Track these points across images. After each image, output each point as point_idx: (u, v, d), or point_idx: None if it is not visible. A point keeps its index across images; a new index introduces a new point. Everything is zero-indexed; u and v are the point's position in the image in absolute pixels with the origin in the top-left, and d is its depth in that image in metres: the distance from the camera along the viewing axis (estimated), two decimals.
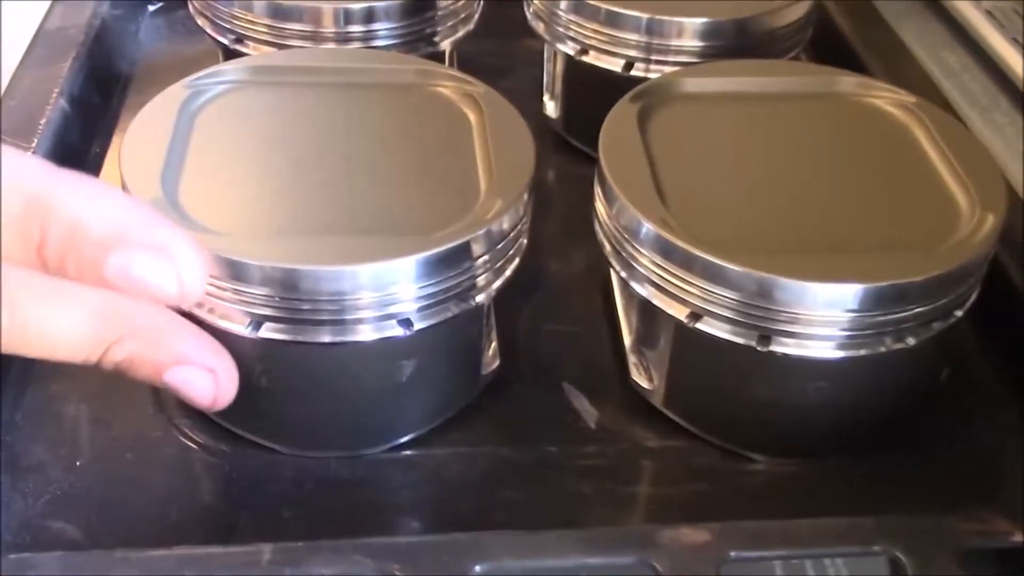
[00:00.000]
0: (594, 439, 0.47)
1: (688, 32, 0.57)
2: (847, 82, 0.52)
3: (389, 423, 0.46)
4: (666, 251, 0.43)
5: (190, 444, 0.45)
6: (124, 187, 0.42)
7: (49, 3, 0.66)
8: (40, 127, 0.55)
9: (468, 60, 0.69)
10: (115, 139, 0.61)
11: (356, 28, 0.57)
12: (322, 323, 0.41)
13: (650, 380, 0.47)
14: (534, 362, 0.50)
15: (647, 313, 0.47)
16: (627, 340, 0.49)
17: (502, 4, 0.68)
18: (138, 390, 0.47)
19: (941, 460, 0.46)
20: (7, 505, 0.42)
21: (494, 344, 0.49)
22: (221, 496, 0.44)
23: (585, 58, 0.59)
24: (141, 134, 0.45)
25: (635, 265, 0.45)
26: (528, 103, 0.66)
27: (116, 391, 0.47)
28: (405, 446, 0.46)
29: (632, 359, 0.48)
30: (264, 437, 0.45)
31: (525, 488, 0.45)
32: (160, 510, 0.43)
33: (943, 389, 0.48)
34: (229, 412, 0.45)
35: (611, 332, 0.52)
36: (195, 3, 0.60)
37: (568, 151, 0.64)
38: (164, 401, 0.47)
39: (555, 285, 0.55)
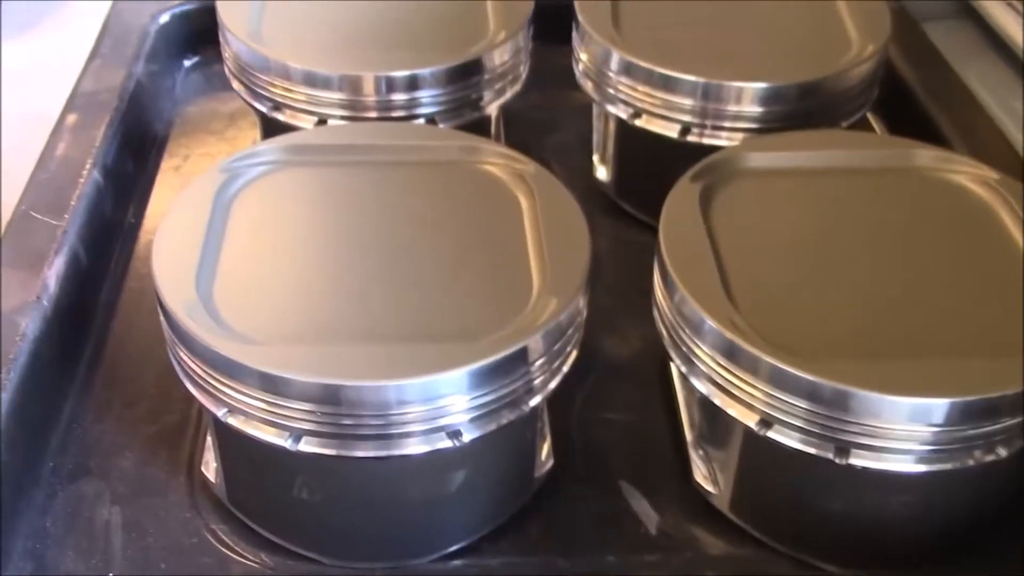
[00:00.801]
0: (655, 547, 0.44)
1: (747, 97, 0.54)
2: (924, 155, 0.49)
3: (437, 533, 0.43)
4: (731, 352, 0.40)
5: (228, 553, 0.43)
6: (158, 294, 0.40)
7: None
8: (72, 202, 0.53)
9: (514, 114, 0.66)
10: (150, 205, 0.59)
11: (399, 96, 0.54)
12: (366, 437, 0.38)
13: (715, 483, 0.44)
14: (589, 457, 0.47)
15: (710, 411, 0.44)
16: (688, 436, 0.46)
17: (548, 50, 0.66)
18: (173, 492, 0.45)
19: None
20: None
21: (547, 442, 0.46)
22: None
23: (638, 122, 0.56)
24: (174, 229, 0.42)
25: (696, 362, 0.42)
26: (577, 160, 0.64)
27: (149, 493, 0.45)
28: (454, 555, 0.43)
29: (695, 458, 0.45)
30: (306, 547, 0.42)
31: None
32: None
33: None
34: (268, 520, 0.43)
35: (670, 421, 0.49)
36: (231, 69, 0.57)
37: (619, 215, 0.61)
38: (200, 505, 0.44)
39: (609, 366, 0.52)
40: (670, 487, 0.46)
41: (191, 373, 0.40)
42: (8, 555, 0.42)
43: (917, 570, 0.43)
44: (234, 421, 0.39)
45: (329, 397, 0.38)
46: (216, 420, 0.40)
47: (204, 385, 0.39)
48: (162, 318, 0.41)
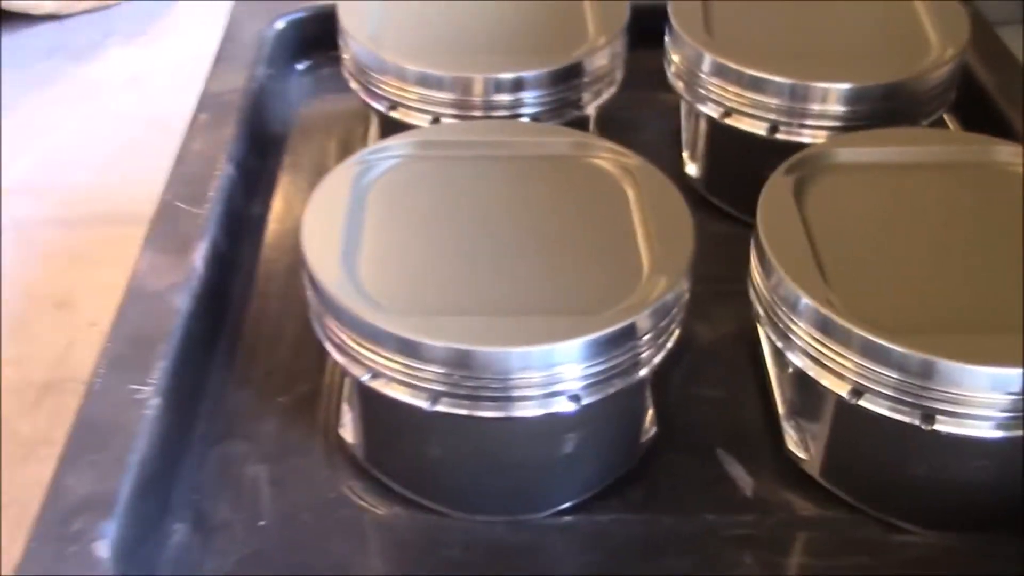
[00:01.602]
0: (751, 508, 0.48)
1: (833, 97, 0.57)
2: (1001, 151, 0.52)
3: (552, 490, 0.47)
4: (825, 326, 0.44)
5: (364, 505, 0.47)
6: (307, 269, 0.45)
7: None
8: (210, 193, 0.58)
9: (605, 114, 0.70)
10: (275, 200, 0.64)
11: (504, 97, 0.59)
12: (493, 399, 0.43)
13: (806, 451, 0.48)
14: (687, 428, 0.51)
15: (803, 384, 0.48)
16: (781, 409, 0.50)
17: (635, 55, 0.70)
18: (311, 453, 0.50)
19: None
20: (200, 565, 0.45)
21: (651, 412, 0.50)
22: (396, 559, 0.46)
23: (728, 120, 0.60)
24: (319, 214, 0.47)
25: (792, 337, 0.46)
26: (665, 158, 0.68)
27: (290, 453, 0.49)
28: (567, 511, 0.47)
29: (787, 429, 0.49)
30: (434, 501, 0.47)
31: (686, 557, 0.46)
32: (340, 572, 0.45)
33: None
34: (400, 476, 0.47)
35: (760, 397, 0.52)
36: (350, 71, 0.62)
37: (708, 209, 0.65)
38: (336, 464, 0.49)
39: (703, 347, 0.56)
40: (763, 456, 0.50)
41: (337, 341, 0.45)
42: (170, 508, 0.47)
43: (996, 533, 0.46)
44: (376, 384, 0.44)
45: (461, 361, 0.42)
46: (359, 384, 0.45)
47: (349, 351, 0.44)
48: (310, 292, 0.45)
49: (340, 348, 0.45)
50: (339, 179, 0.49)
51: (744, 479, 0.49)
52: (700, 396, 0.53)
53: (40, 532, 0.41)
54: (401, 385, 0.43)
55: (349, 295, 0.43)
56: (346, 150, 0.64)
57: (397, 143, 0.52)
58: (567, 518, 0.47)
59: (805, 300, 0.44)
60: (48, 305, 0.75)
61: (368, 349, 0.43)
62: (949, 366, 0.42)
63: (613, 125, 0.72)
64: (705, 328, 0.57)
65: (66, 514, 0.42)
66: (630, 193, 0.50)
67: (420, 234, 0.47)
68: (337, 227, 0.46)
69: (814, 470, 0.48)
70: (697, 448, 0.50)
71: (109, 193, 0.86)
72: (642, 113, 0.73)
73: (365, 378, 0.44)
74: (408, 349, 0.42)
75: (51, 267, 0.79)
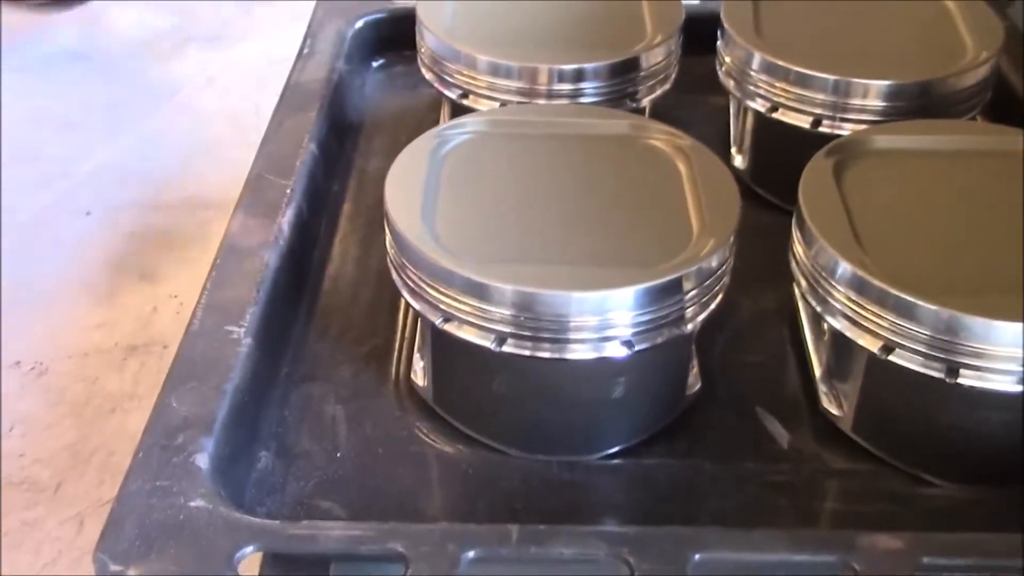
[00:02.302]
0: (787, 459, 0.52)
1: (873, 93, 0.62)
2: None
3: (603, 433, 0.51)
4: (861, 288, 0.48)
5: (432, 443, 0.52)
6: (390, 222, 0.50)
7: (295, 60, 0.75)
8: (296, 168, 0.63)
9: (657, 113, 0.75)
10: (351, 180, 0.70)
11: (566, 86, 0.64)
12: (552, 341, 0.47)
13: (840, 408, 0.52)
14: (729, 388, 0.55)
15: (839, 346, 0.52)
16: (817, 371, 0.54)
17: (688, 61, 0.74)
18: (384, 396, 0.54)
19: None
20: (283, 487, 0.50)
21: (695, 368, 0.54)
22: (460, 490, 0.50)
23: (775, 115, 0.64)
24: (401, 176, 0.52)
25: (830, 300, 0.50)
26: (714, 152, 0.73)
27: (366, 395, 0.54)
28: (617, 455, 0.52)
29: (822, 388, 0.53)
30: (496, 440, 0.51)
31: (726, 499, 0.50)
32: (410, 499, 0.49)
33: None
34: (467, 417, 0.52)
35: (799, 365, 0.56)
36: (425, 61, 0.68)
37: (753, 199, 0.69)
38: (407, 407, 0.54)
39: (746, 319, 0.60)
40: (799, 414, 0.54)
41: (415, 287, 0.49)
42: (258, 436, 0.52)
43: (1017, 486, 0.50)
44: (448, 327, 0.48)
45: (524, 303, 0.47)
46: (432, 328, 0.49)
47: (426, 296, 0.49)
48: (391, 244, 0.50)
49: (416, 294, 0.49)
50: (419, 149, 0.54)
51: (781, 434, 0.53)
52: (742, 361, 0.57)
53: (147, 443, 0.46)
54: (471, 327, 0.48)
55: (426, 243, 0.48)
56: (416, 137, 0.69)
57: (471, 120, 0.57)
58: (616, 461, 0.51)
59: (843, 264, 0.49)
60: (134, 278, 0.81)
61: (442, 293, 0.48)
62: (973, 321, 0.46)
63: (665, 122, 0.77)
64: (748, 302, 0.61)
65: (171, 429, 0.47)
66: (682, 169, 0.54)
67: (490, 196, 0.52)
68: (417, 188, 0.51)
69: (846, 426, 0.52)
70: (738, 406, 0.54)
71: (188, 181, 0.92)
72: (693, 113, 0.77)
73: (438, 321, 0.48)
74: (477, 291, 0.47)
75: (136, 245, 0.85)
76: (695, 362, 0.54)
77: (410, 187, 0.52)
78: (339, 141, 0.72)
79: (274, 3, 1.10)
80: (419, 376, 0.54)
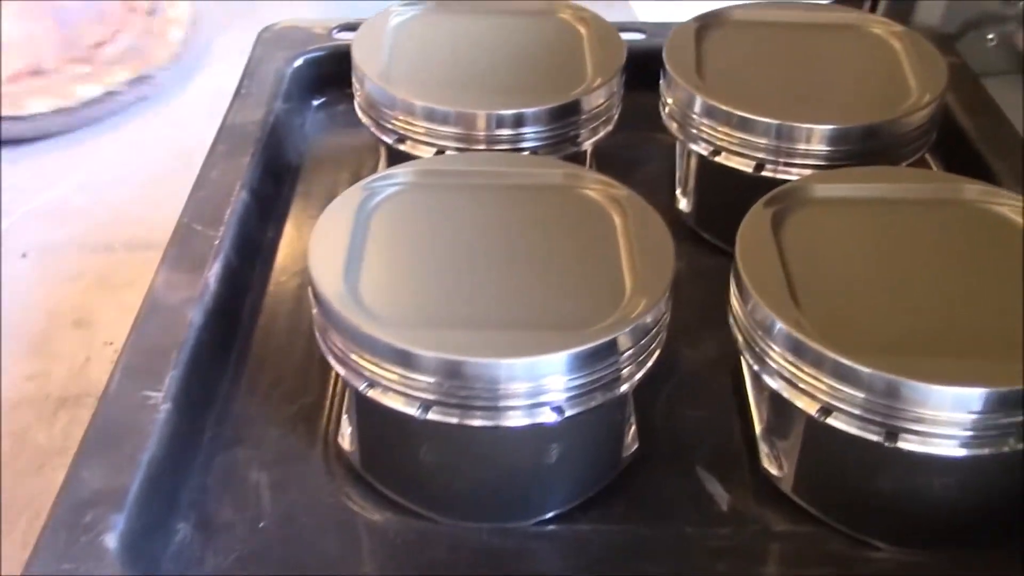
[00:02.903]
0: (727, 521, 0.50)
1: (817, 137, 0.60)
2: (971, 189, 0.55)
3: (536, 499, 0.50)
4: (797, 349, 0.47)
5: (358, 511, 0.50)
6: (312, 283, 0.48)
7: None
8: (226, 217, 0.61)
9: (605, 153, 0.74)
10: (287, 225, 0.68)
11: (506, 132, 0.62)
12: (481, 409, 0.46)
13: (780, 468, 0.51)
14: (669, 445, 0.54)
15: (778, 405, 0.50)
16: (758, 428, 0.53)
17: (635, 97, 0.73)
18: (312, 460, 0.52)
19: None
20: (201, 561, 0.48)
21: (633, 427, 0.53)
22: (387, 560, 0.49)
23: (718, 159, 0.63)
24: (325, 234, 0.50)
25: (767, 360, 0.49)
26: (661, 195, 0.71)
27: (292, 459, 0.52)
28: (551, 521, 0.50)
29: (763, 447, 0.52)
30: (424, 507, 0.50)
31: (664, 565, 0.48)
32: (333, 572, 0.47)
33: None
34: (395, 483, 0.50)
35: (741, 417, 0.55)
36: (362, 106, 0.66)
37: (698, 243, 0.68)
38: (334, 471, 0.52)
39: (688, 370, 0.59)
40: (740, 473, 0.52)
41: (338, 352, 0.48)
42: (176, 507, 0.50)
43: (962, 549, 0.48)
44: (373, 394, 0.47)
45: (450, 371, 0.45)
46: (357, 393, 0.48)
47: (348, 362, 0.47)
48: (315, 306, 0.49)
49: (340, 359, 0.48)
50: (345, 203, 0.53)
51: (721, 494, 0.51)
52: (683, 415, 0.56)
53: (54, 521, 0.44)
54: (396, 394, 0.46)
55: (349, 308, 0.46)
56: (356, 180, 0.67)
57: (400, 171, 0.55)
58: (550, 527, 0.50)
59: (779, 324, 0.47)
60: (67, 324, 0.79)
61: (366, 359, 0.46)
62: (912, 386, 0.44)
63: (613, 162, 0.75)
64: (691, 352, 0.60)
65: (79, 505, 0.45)
66: (617, 221, 0.53)
67: (418, 254, 0.50)
68: (341, 246, 0.50)
69: (787, 486, 0.50)
70: (678, 464, 0.53)
71: (130, 220, 0.90)
72: (641, 152, 0.77)
73: (363, 387, 0.47)
74: (402, 359, 0.45)
75: (72, 289, 0.83)
76: (633, 420, 0.53)
77: (334, 245, 0.50)
78: (276, 185, 0.70)
79: (230, 33, 1.08)
80: (346, 440, 0.52)
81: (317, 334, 0.49)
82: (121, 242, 0.88)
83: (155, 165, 0.97)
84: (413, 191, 0.54)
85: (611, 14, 1.00)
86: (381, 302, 0.47)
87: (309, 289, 0.49)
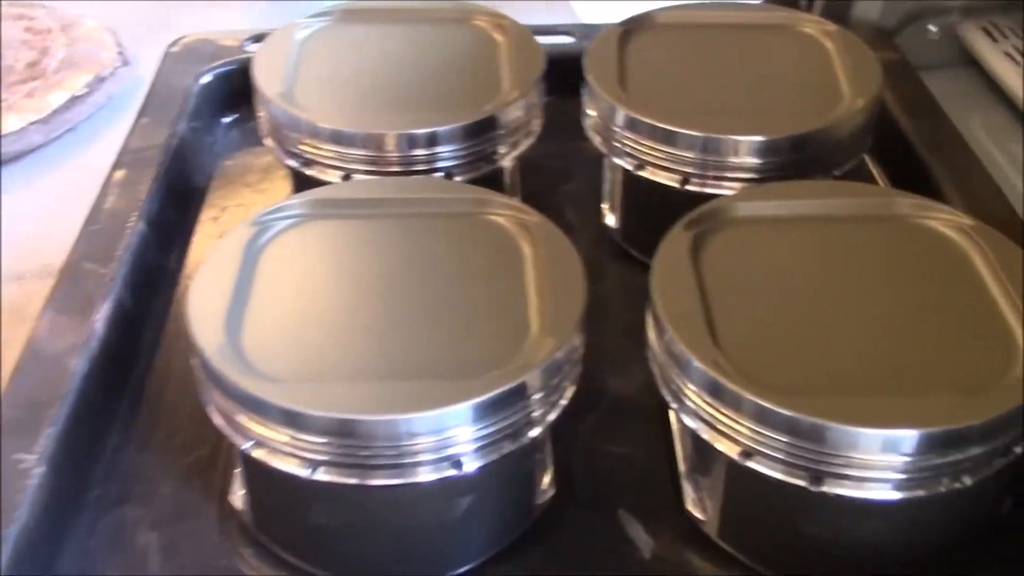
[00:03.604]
0: (650, 570, 0.47)
1: (744, 150, 0.57)
2: (904, 204, 0.52)
3: (445, 555, 0.46)
4: (715, 390, 0.43)
5: (254, 573, 0.47)
6: (191, 336, 0.44)
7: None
8: (119, 252, 0.57)
9: (530, 164, 0.70)
10: (191, 254, 0.64)
11: (419, 152, 0.58)
12: (379, 467, 0.42)
13: (704, 511, 0.48)
14: (590, 486, 0.51)
15: (699, 444, 0.47)
16: (682, 467, 0.50)
17: (563, 102, 0.70)
18: (205, 518, 0.49)
19: None
20: None
21: (550, 472, 0.49)
22: None
23: (642, 173, 0.60)
24: (207, 279, 0.47)
25: (684, 399, 0.45)
26: (589, 208, 0.68)
27: (184, 519, 0.49)
28: None
29: (686, 488, 0.49)
30: (324, 569, 0.46)
31: None
32: None
33: (1006, 517, 0.48)
34: (290, 544, 0.46)
35: (668, 453, 0.52)
36: (265, 128, 0.62)
37: (627, 260, 0.64)
38: (228, 530, 0.48)
39: (612, 402, 0.56)
40: (665, 515, 0.49)
41: (219, 409, 0.44)
42: (59, 572, 0.46)
43: None
44: (258, 454, 0.43)
45: (344, 430, 0.41)
46: (243, 453, 0.44)
47: (230, 420, 0.43)
48: (194, 360, 0.45)
49: (222, 416, 0.44)
50: (231, 243, 0.49)
51: (644, 540, 0.48)
52: (607, 452, 0.53)
53: None
54: (283, 455, 0.43)
55: (230, 363, 0.43)
56: (270, 202, 0.63)
57: (293, 203, 0.51)
58: None
59: (695, 362, 0.44)
60: None
61: (249, 418, 0.43)
62: (838, 429, 0.41)
63: (539, 174, 0.72)
64: (617, 382, 0.57)
65: None
66: (526, 250, 0.49)
67: (308, 299, 0.47)
68: (224, 293, 0.46)
69: (712, 531, 0.47)
70: (599, 507, 0.50)
71: (46, 247, 0.85)
72: (570, 162, 0.73)
73: (246, 447, 0.43)
74: (289, 419, 0.42)
75: None
76: (550, 463, 0.50)
77: (216, 292, 0.46)
78: (180, 211, 0.66)
79: (154, 49, 1.02)
80: (237, 499, 0.48)
81: (200, 389, 0.46)
82: (34, 270, 0.83)
83: (67, 187, 0.92)
84: (307, 225, 0.51)
85: (550, 16, 0.96)
86: (266, 355, 0.43)
87: (190, 343, 0.45)
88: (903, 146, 0.67)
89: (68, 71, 0.95)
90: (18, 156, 0.90)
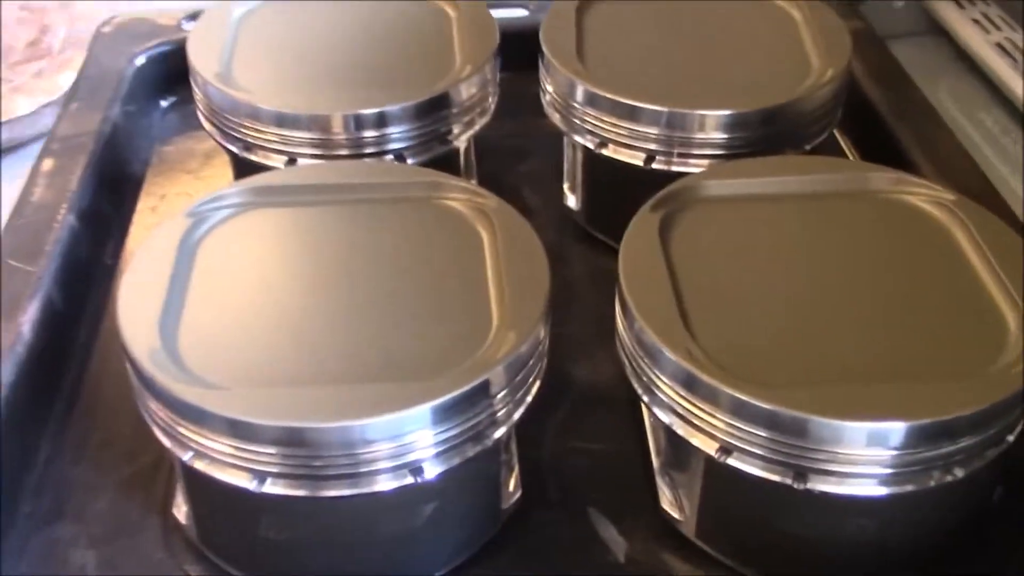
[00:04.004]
0: (624, 573, 0.44)
1: (711, 125, 0.54)
2: (881, 179, 0.49)
3: (406, 567, 0.43)
4: (689, 383, 0.41)
5: None
6: (122, 341, 0.40)
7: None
8: (47, 247, 0.54)
9: (487, 143, 0.67)
10: (127, 245, 0.60)
11: (368, 133, 0.55)
12: (332, 477, 0.39)
13: (680, 510, 0.45)
14: (559, 485, 0.48)
15: (674, 438, 0.44)
16: (655, 463, 0.47)
17: (521, 78, 0.66)
18: (146, 532, 0.45)
19: None
20: None
21: (515, 473, 0.46)
22: None
23: (604, 151, 0.57)
24: (139, 276, 0.43)
25: (656, 391, 0.42)
26: (550, 188, 0.65)
27: (123, 534, 0.45)
28: None
29: (661, 485, 0.46)
30: None
31: None
32: None
33: (998, 507, 0.45)
34: (239, 560, 0.43)
35: (641, 447, 0.49)
36: (203, 111, 0.58)
37: (592, 243, 0.61)
38: (172, 546, 0.45)
39: (581, 394, 0.53)
40: (639, 514, 0.46)
41: (156, 418, 0.40)
42: None
43: None
44: (199, 465, 0.40)
45: (293, 439, 0.38)
46: (183, 464, 0.41)
47: (169, 430, 0.40)
48: (128, 366, 0.41)
49: (159, 426, 0.41)
50: (164, 237, 0.45)
51: (617, 541, 0.45)
52: (576, 449, 0.50)
53: None
54: (227, 466, 0.39)
55: (166, 369, 0.39)
56: (211, 190, 0.59)
57: (232, 191, 0.48)
58: None
59: (667, 352, 0.41)
60: None
61: (188, 429, 0.39)
62: (821, 422, 0.38)
63: (496, 155, 0.69)
64: (587, 371, 0.54)
65: None
66: (484, 237, 0.46)
67: (250, 295, 0.43)
68: (158, 292, 0.42)
69: (689, 531, 0.45)
70: (568, 509, 0.47)
71: None
72: (528, 141, 0.70)
73: (187, 458, 0.40)
74: (232, 428, 0.38)
75: None
76: (516, 463, 0.47)
77: (149, 291, 0.42)
78: (115, 202, 0.62)
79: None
80: (180, 512, 0.45)
81: (135, 396, 0.42)
82: None
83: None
84: (248, 215, 0.47)
85: None
86: (206, 359, 0.40)
87: (121, 346, 0.42)
88: (873, 118, 0.64)
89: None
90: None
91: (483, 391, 0.40)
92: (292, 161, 0.55)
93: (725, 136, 0.55)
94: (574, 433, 0.50)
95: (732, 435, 0.40)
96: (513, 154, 0.69)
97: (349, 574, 0.43)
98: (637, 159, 0.56)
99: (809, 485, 0.40)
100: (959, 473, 0.40)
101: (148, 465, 0.48)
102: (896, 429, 0.38)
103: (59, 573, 0.44)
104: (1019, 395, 0.40)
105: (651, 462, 0.47)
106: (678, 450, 0.45)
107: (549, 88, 0.59)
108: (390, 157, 0.56)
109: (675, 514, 0.45)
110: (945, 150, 0.61)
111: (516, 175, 0.67)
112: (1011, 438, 0.41)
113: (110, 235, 0.61)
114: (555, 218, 0.63)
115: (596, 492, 0.48)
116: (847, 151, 0.66)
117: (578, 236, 0.62)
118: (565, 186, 0.63)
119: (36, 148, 0.77)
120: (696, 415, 0.41)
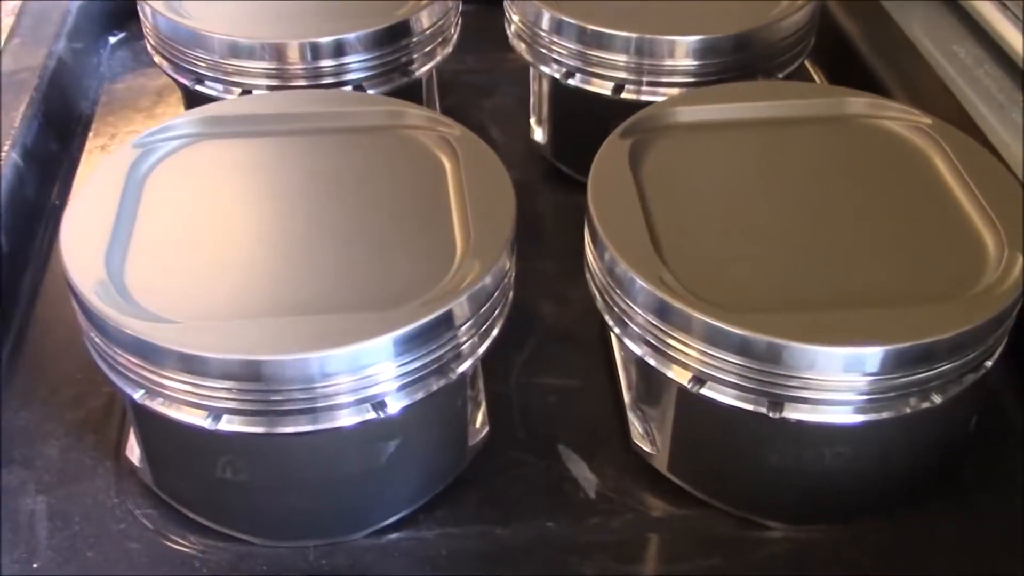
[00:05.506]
0: (595, 511, 0.43)
1: (681, 51, 0.53)
2: (857, 103, 0.48)
3: (370, 506, 0.42)
4: (662, 311, 0.39)
5: (156, 537, 0.42)
6: (66, 273, 0.38)
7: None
8: None
9: (449, 79, 0.65)
10: (75, 186, 0.58)
11: (325, 63, 0.53)
12: (292, 412, 0.37)
13: (653, 444, 0.44)
14: (528, 423, 0.47)
15: (646, 372, 0.43)
16: (627, 397, 0.46)
17: (484, 12, 0.65)
18: (99, 478, 0.44)
19: (975, 516, 0.42)
20: None
21: (483, 409, 0.45)
22: None
23: (571, 81, 0.55)
24: (84, 209, 0.41)
25: (629, 323, 0.41)
26: (515, 124, 0.63)
27: (75, 480, 0.43)
28: (389, 529, 0.42)
29: (633, 420, 0.45)
30: (235, 528, 0.41)
31: (524, 568, 0.41)
32: None
33: (972, 436, 0.45)
34: (196, 503, 0.42)
35: (612, 383, 0.48)
36: (153, 43, 0.56)
37: (559, 178, 0.60)
38: (127, 490, 0.43)
39: (549, 331, 0.51)
40: (610, 450, 0.45)
41: (104, 356, 0.39)
42: None
43: (860, 523, 0.42)
44: (151, 403, 0.38)
45: (250, 373, 0.36)
46: (134, 403, 0.39)
47: (118, 367, 0.38)
48: (73, 301, 0.39)
49: (108, 363, 0.39)
50: (111, 168, 0.43)
51: (588, 478, 0.44)
52: (544, 386, 0.48)
53: None
54: (180, 403, 0.37)
55: (113, 303, 0.37)
56: None
57: (182, 121, 0.46)
58: (389, 536, 0.42)
59: (639, 281, 0.40)
60: None
61: (138, 365, 0.37)
62: (796, 348, 0.37)
63: (461, 91, 0.67)
64: (555, 308, 0.53)
65: None
66: (448, 167, 0.44)
67: (202, 228, 0.41)
68: (104, 225, 0.40)
69: (661, 465, 0.43)
70: (537, 446, 0.46)
71: None
72: (493, 77, 0.68)
73: (138, 396, 0.38)
74: (184, 363, 0.36)
75: None
76: (483, 399, 0.45)
77: (95, 224, 0.40)
78: (62, 141, 0.60)
79: None
80: (134, 455, 0.43)
81: (83, 335, 0.40)
82: None
83: None
84: (198, 145, 0.45)
85: None
86: (154, 293, 0.38)
87: (66, 281, 0.40)
88: (846, 48, 0.63)
89: None
90: None
91: (446, 322, 0.39)
92: (246, 93, 0.53)
93: (696, 63, 0.53)
94: (543, 370, 0.49)
95: (706, 364, 0.39)
96: (477, 90, 0.67)
97: (311, 515, 0.41)
98: (605, 88, 0.54)
99: (784, 414, 0.38)
100: (937, 399, 0.38)
101: (99, 409, 0.46)
102: (873, 354, 0.37)
103: (9, 520, 0.42)
104: (999, 318, 0.38)
105: (621, 398, 0.46)
106: (650, 383, 0.44)
107: (515, 17, 0.57)
108: (349, 88, 0.54)
109: (648, 448, 0.44)
110: (919, 79, 0.59)
111: (481, 110, 0.65)
112: (989, 364, 0.40)
113: (57, 175, 0.58)
114: (522, 155, 0.61)
115: (565, 429, 0.46)
116: (819, 80, 0.65)
117: (545, 171, 0.61)
118: (531, 120, 0.61)
119: None
120: (669, 345, 0.39)
